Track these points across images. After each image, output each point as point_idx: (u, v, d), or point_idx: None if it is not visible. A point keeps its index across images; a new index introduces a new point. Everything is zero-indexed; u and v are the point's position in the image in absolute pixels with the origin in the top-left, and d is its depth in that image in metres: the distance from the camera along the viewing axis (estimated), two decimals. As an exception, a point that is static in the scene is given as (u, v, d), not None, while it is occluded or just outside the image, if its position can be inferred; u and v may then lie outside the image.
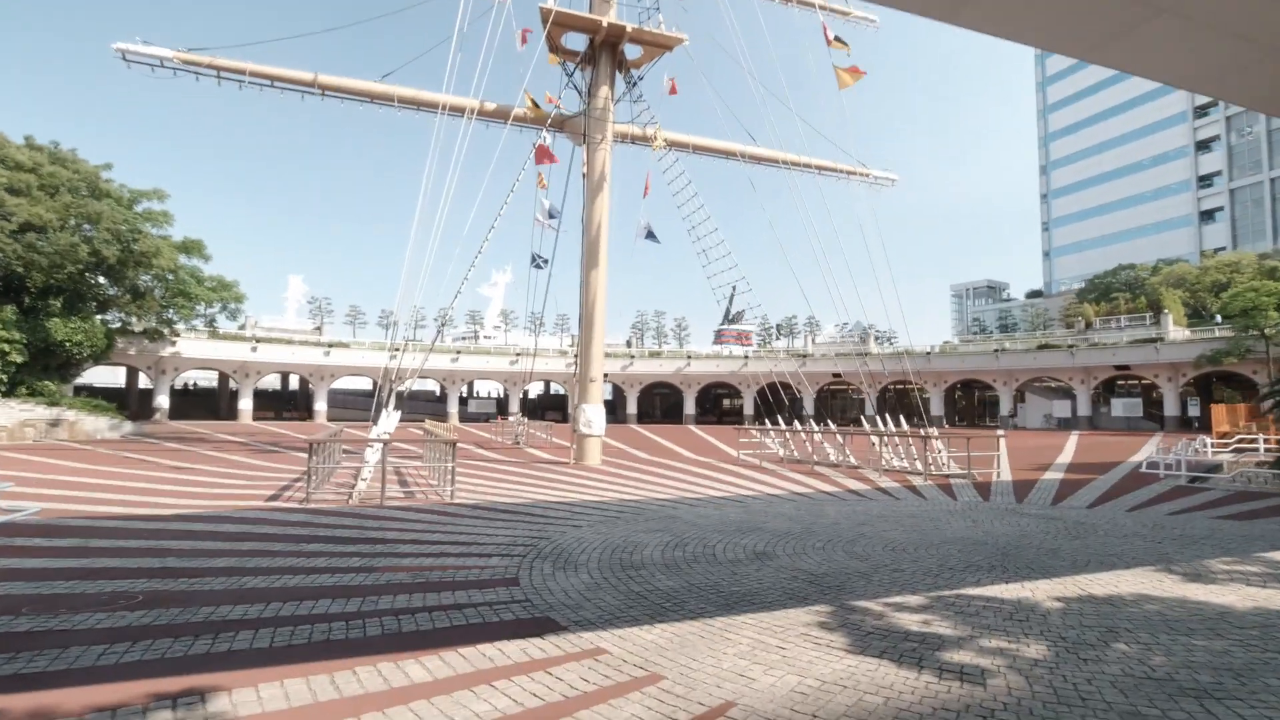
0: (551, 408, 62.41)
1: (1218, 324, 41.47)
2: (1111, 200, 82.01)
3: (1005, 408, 51.21)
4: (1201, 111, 74.32)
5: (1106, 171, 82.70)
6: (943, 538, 9.21)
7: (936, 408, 52.74)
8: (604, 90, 17.23)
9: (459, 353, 53.59)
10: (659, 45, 17.02)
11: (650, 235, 18.45)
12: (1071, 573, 7.16)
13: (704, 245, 18.29)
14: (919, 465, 17.93)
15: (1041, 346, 48.44)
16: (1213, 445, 19.89)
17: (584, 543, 8.69)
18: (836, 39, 14.69)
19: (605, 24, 16.23)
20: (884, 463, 18.83)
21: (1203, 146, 74.62)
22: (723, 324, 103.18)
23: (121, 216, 31.13)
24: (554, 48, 17.08)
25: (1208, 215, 74.21)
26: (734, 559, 7.81)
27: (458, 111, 15.04)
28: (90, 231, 30.82)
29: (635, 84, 17.27)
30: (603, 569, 7.23)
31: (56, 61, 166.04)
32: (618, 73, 17.28)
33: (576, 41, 17.44)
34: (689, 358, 61.53)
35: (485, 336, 77.70)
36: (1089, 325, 49.94)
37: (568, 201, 17.42)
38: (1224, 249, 68.24)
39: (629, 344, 71.48)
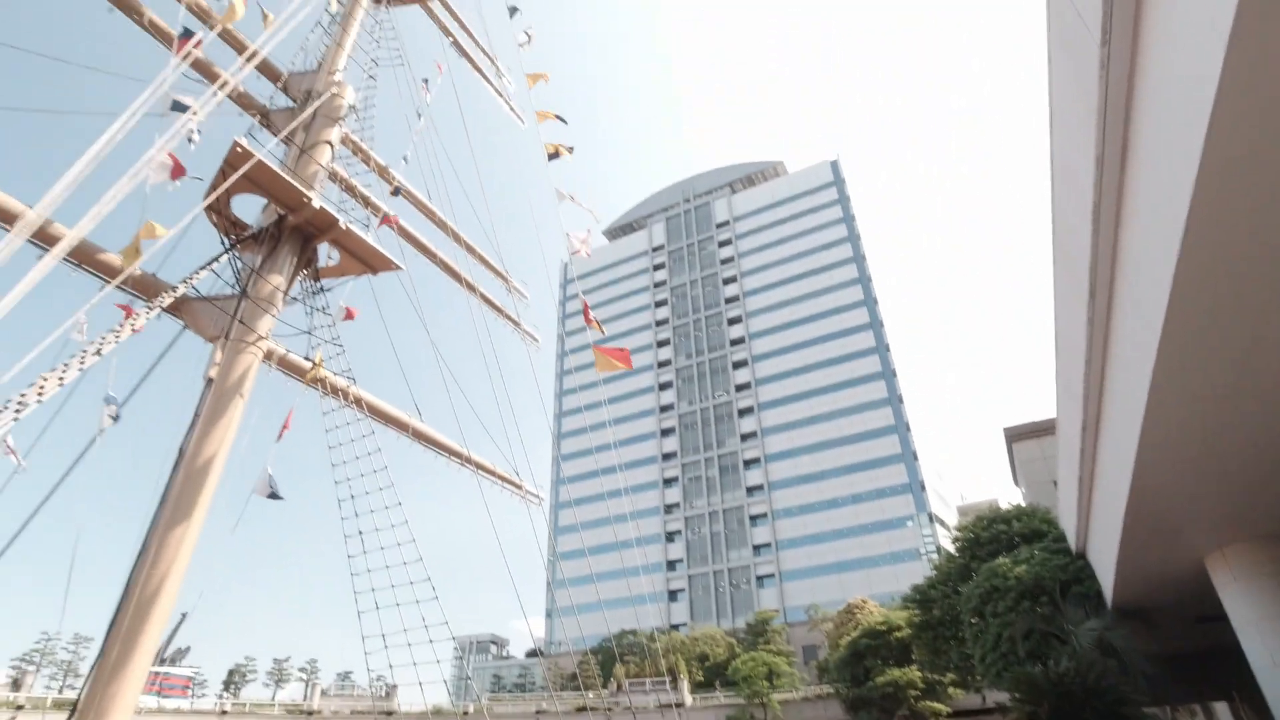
0: None
1: (722, 690, 47.16)
2: (609, 569, 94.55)
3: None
4: (669, 509, 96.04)
5: (603, 544, 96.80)
6: None
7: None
8: (277, 280, 12.41)
9: None
10: (365, 262, 13.50)
11: (274, 494, 12.48)
12: None
13: (361, 525, 12.81)
14: None
15: (580, 709, 47.30)
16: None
17: None
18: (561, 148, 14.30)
19: (317, 205, 12.35)
20: None
21: (670, 537, 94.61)
22: (156, 664, 73.15)
23: None
24: (219, 207, 12.14)
25: (674, 594, 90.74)
26: None
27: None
28: None
29: (318, 293, 13.06)
30: None
31: None
32: (298, 276, 12.90)
33: (250, 211, 12.75)
34: None
35: None
36: (620, 688, 51.77)
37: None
38: (685, 624, 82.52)
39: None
